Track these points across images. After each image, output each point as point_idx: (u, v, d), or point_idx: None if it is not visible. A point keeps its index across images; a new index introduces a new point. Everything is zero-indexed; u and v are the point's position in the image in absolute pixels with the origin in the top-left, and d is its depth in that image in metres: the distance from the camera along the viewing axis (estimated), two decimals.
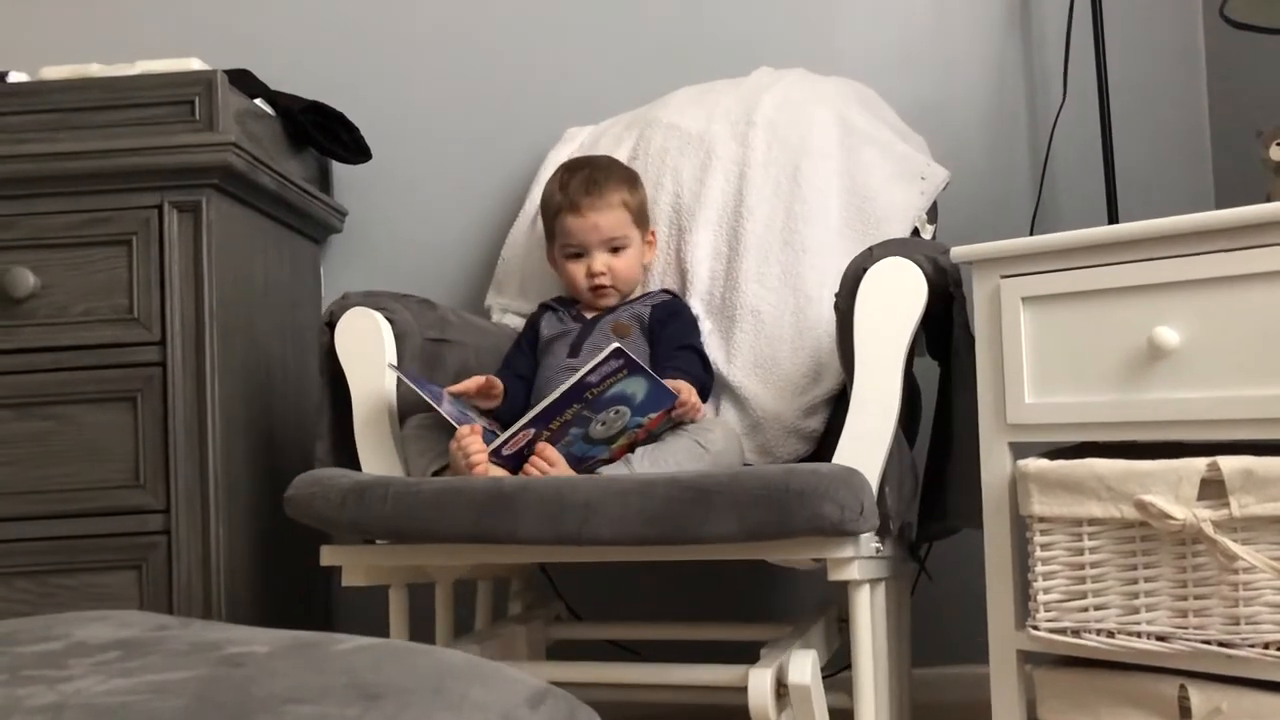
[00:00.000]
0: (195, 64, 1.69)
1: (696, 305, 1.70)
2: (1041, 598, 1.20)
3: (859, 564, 1.23)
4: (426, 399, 1.42)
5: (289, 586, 1.79)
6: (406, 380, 1.46)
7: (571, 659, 1.79)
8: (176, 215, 1.61)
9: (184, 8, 2.14)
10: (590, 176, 1.64)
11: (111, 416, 1.58)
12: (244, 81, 1.82)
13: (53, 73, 1.69)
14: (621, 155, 1.82)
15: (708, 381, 1.61)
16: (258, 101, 1.82)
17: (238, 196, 1.69)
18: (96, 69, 1.69)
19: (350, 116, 1.97)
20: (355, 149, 2.00)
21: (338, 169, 2.10)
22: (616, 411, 1.37)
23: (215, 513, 1.58)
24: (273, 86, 1.90)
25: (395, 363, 1.50)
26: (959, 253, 1.30)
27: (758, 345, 1.64)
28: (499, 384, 1.53)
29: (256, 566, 1.68)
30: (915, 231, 1.68)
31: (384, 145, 2.05)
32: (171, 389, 1.58)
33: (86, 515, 1.57)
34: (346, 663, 0.72)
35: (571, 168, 1.68)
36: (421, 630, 1.50)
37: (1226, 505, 1.09)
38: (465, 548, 1.32)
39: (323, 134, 1.94)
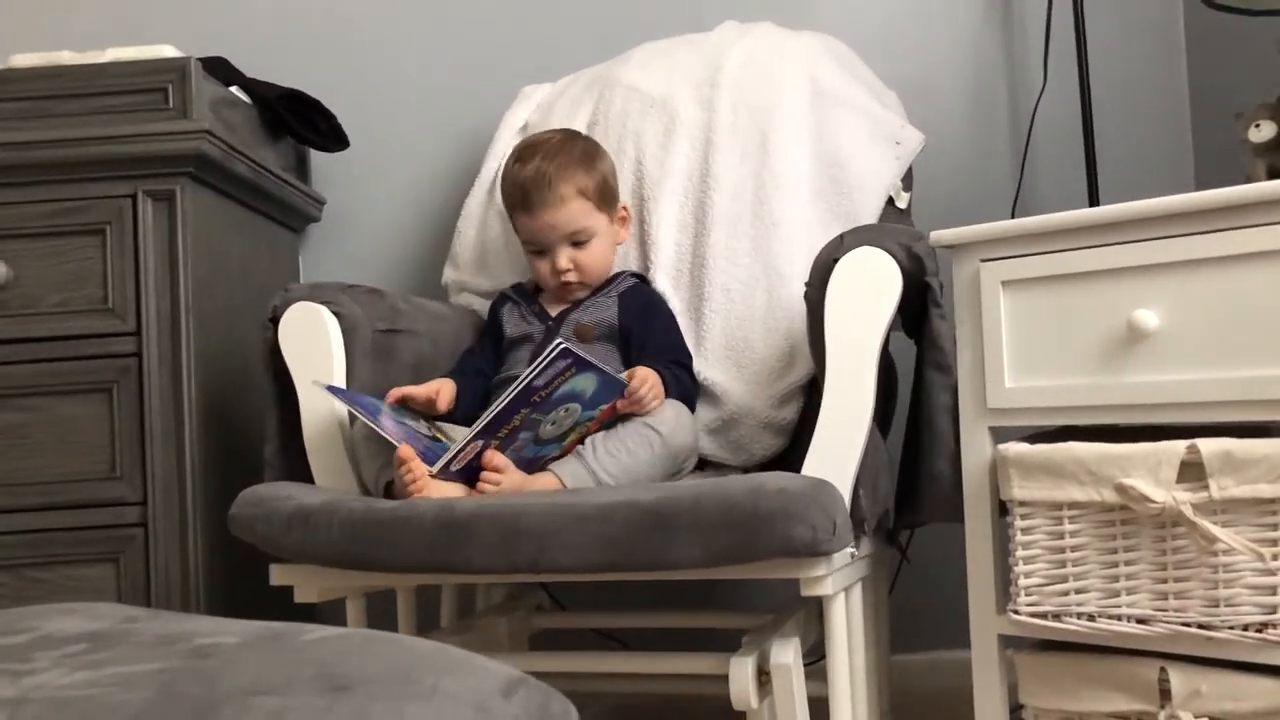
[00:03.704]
0: (168, 51, 1.67)
1: (662, 282, 1.63)
2: (1022, 582, 1.20)
3: (833, 578, 1.19)
4: (362, 417, 1.35)
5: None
6: (338, 398, 1.39)
7: (554, 648, 1.79)
8: (151, 204, 1.59)
9: None
10: (539, 169, 1.52)
11: (87, 408, 1.57)
12: (219, 69, 1.80)
13: (23, 60, 1.66)
14: (580, 120, 1.74)
15: (694, 394, 1.53)
16: (233, 89, 1.80)
17: (213, 185, 1.67)
18: (68, 56, 1.66)
19: (327, 104, 1.95)
20: (333, 137, 1.98)
21: (315, 157, 2.08)
22: (566, 409, 1.32)
23: (192, 504, 1.56)
24: (249, 74, 1.88)
25: (328, 380, 1.43)
26: (937, 237, 1.29)
27: (729, 326, 1.57)
28: (449, 393, 1.46)
29: (234, 558, 1.66)
30: (890, 200, 1.64)
31: (361, 132, 2.03)
32: (147, 380, 1.56)
33: (62, 508, 1.55)
34: (315, 653, 0.71)
35: (521, 156, 1.57)
36: (394, 626, 1.49)
37: (1206, 488, 1.09)
38: (418, 575, 1.27)
39: (300, 122, 1.92)
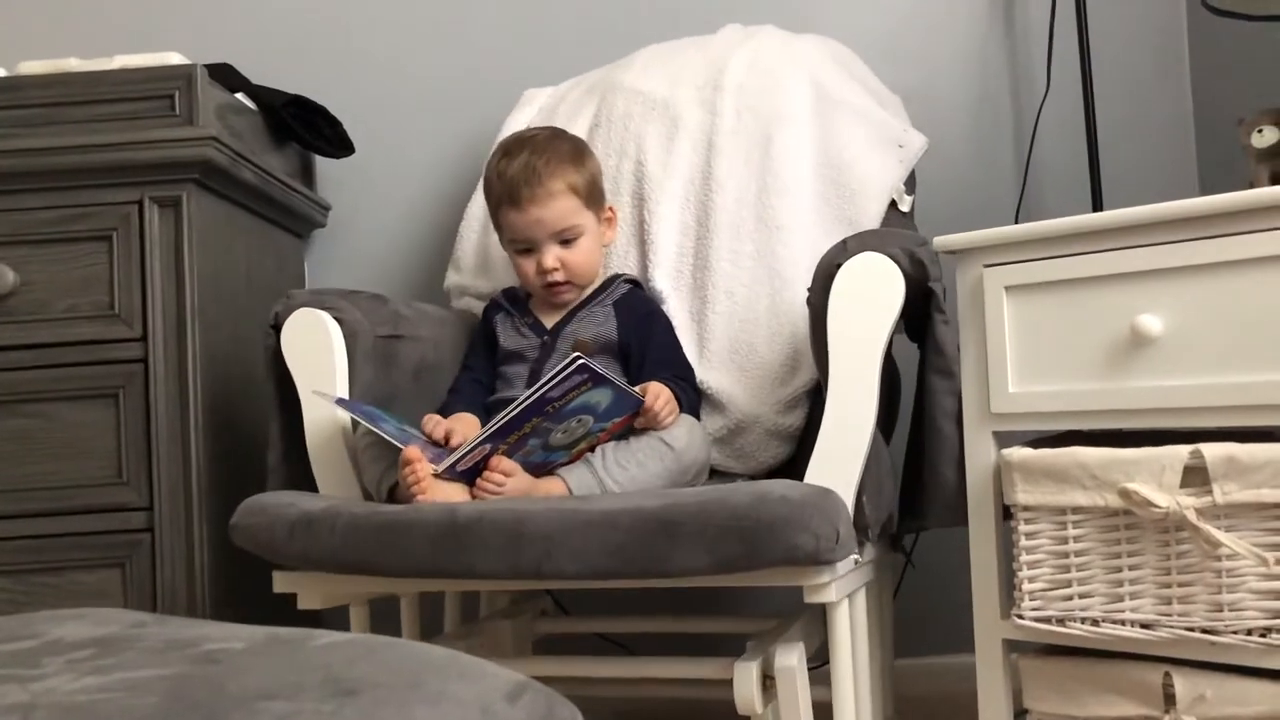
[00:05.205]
0: (175, 58, 1.67)
1: (662, 282, 1.61)
2: (1026, 586, 1.20)
3: (836, 585, 1.19)
4: (365, 423, 1.35)
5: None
6: (340, 407, 1.39)
7: (559, 653, 1.79)
8: (157, 210, 1.59)
9: (162, 2, 2.12)
10: (528, 164, 1.48)
11: (93, 414, 1.57)
12: (225, 76, 1.80)
13: (31, 68, 1.67)
14: (583, 123, 1.73)
15: (698, 408, 1.52)
16: (239, 96, 1.80)
17: (219, 191, 1.68)
18: (75, 64, 1.67)
19: (332, 110, 1.96)
20: (338, 143, 1.99)
21: (320, 163, 2.09)
22: (579, 420, 1.31)
23: (198, 510, 1.57)
24: (254, 81, 1.89)
25: (330, 386, 1.42)
26: (941, 242, 1.30)
27: (732, 329, 1.56)
28: (457, 438, 1.37)
29: (240, 564, 1.67)
30: (893, 203, 1.63)
31: (367, 138, 2.04)
32: (153, 386, 1.57)
33: (68, 513, 1.56)
34: (323, 658, 0.71)
35: (509, 151, 1.52)
36: (398, 632, 1.49)
37: (1209, 492, 1.09)
38: (421, 580, 1.25)
39: (305, 128, 1.93)
